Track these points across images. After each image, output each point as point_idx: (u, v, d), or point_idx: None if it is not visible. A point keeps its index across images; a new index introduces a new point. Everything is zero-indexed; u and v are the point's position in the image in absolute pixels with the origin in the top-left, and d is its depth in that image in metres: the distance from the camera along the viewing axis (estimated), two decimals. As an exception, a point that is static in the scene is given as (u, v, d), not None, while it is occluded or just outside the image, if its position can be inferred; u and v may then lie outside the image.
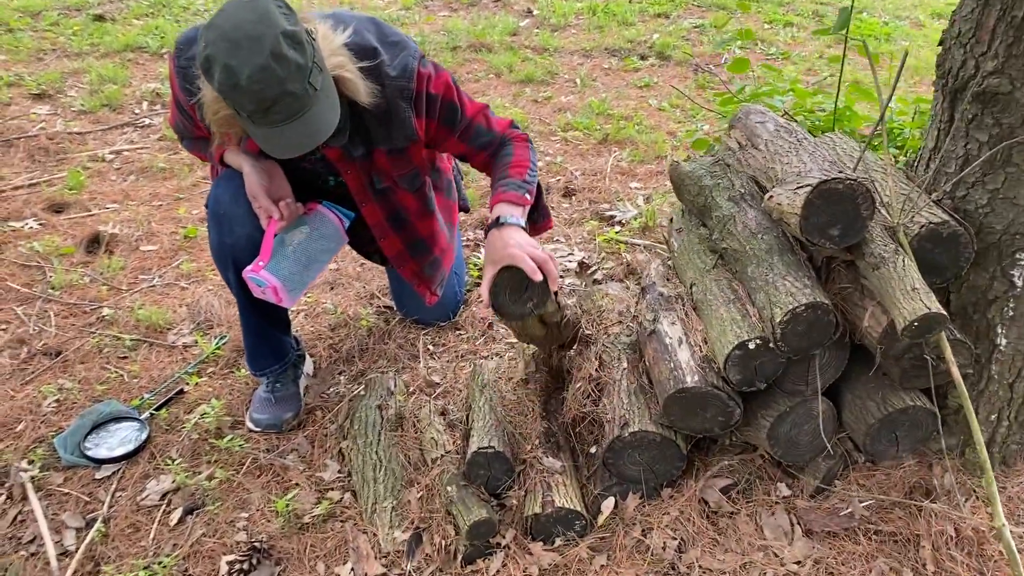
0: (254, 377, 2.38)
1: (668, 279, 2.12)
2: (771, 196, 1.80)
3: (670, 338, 1.90)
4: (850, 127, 2.64)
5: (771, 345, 1.76)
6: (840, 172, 1.75)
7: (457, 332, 2.69)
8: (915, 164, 2.06)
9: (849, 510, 1.93)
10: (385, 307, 2.83)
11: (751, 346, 1.76)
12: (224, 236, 2.08)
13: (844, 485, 1.99)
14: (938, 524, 1.87)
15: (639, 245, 3.12)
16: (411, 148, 2.04)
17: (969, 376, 1.92)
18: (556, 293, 1.87)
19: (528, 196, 2.01)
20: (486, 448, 1.92)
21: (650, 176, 3.81)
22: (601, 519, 1.92)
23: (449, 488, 1.93)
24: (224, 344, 2.64)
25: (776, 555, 1.86)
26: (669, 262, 2.21)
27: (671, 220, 2.23)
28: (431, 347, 2.62)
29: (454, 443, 2.10)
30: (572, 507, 1.86)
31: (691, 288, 2.00)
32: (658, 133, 4.24)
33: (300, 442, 2.25)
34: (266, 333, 2.30)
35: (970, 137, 1.83)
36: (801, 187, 1.72)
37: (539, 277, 1.80)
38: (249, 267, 1.98)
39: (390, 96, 1.90)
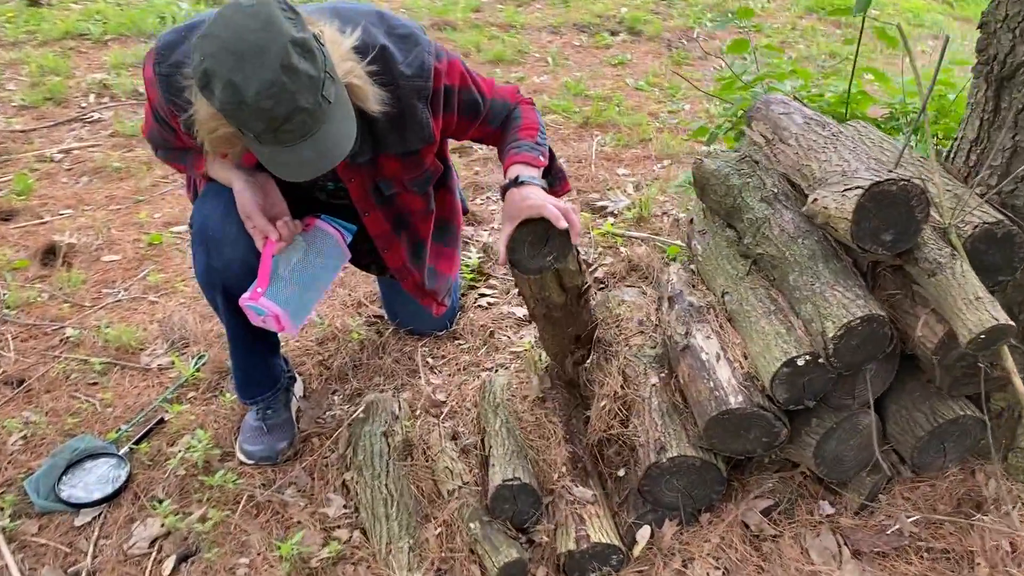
0: (243, 404, 2.19)
1: (694, 286, 1.98)
2: (815, 199, 1.66)
3: (706, 354, 1.76)
4: (861, 111, 2.52)
5: (821, 361, 1.63)
6: (890, 172, 1.62)
7: (456, 342, 2.53)
8: (950, 156, 1.94)
9: (897, 527, 1.82)
10: (375, 316, 2.65)
11: (800, 363, 1.63)
12: (213, 261, 1.88)
13: (889, 499, 1.88)
14: (992, 539, 1.77)
15: (637, 239, 2.98)
16: (424, 150, 1.87)
17: (1017, 380, 1.82)
18: (578, 252, 1.74)
19: (542, 158, 1.90)
20: (511, 480, 1.77)
21: (637, 161, 3.67)
22: (637, 550, 1.79)
23: (472, 525, 1.77)
24: (203, 365, 2.44)
25: (825, 581, 1.75)
26: (691, 266, 2.06)
27: (691, 221, 2.08)
28: (430, 360, 2.45)
29: (470, 472, 1.94)
30: (608, 541, 1.72)
31: (723, 297, 1.86)
32: (640, 115, 4.09)
33: (298, 474, 2.07)
34: (258, 359, 2.12)
35: (1019, 128, 1.71)
36: (849, 189, 1.59)
37: (563, 224, 1.69)
38: (246, 295, 1.79)
39: (404, 97, 1.73)
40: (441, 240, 2.26)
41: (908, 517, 1.84)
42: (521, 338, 2.52)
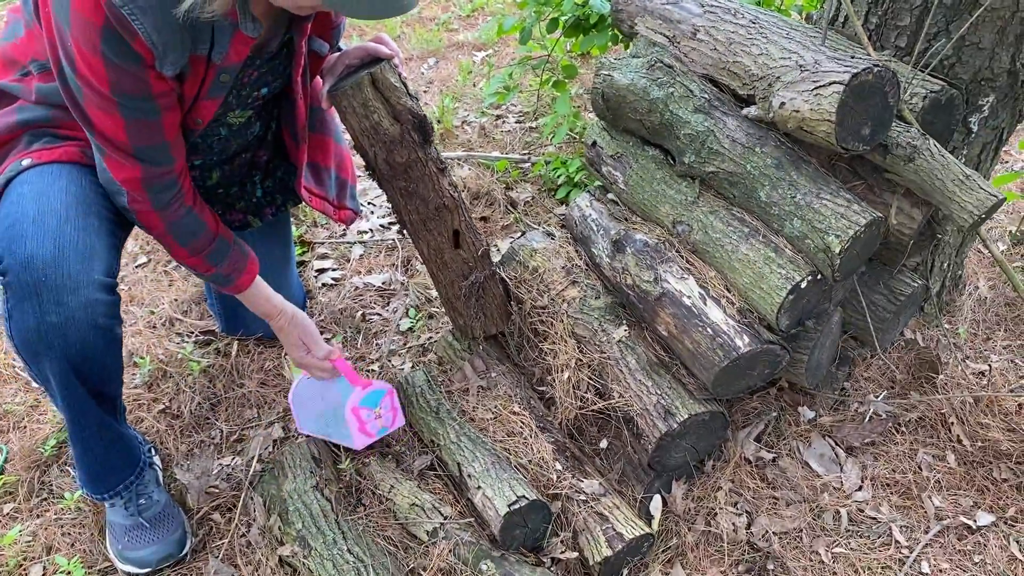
0: (97, 501, 1.66)
1: (626, 219, 1.75)
2: (782, 103, 1.47)
3: (688, 296, 1.57)
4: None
5: (820, 278, 1.50)
6: (853, 57, 1.46)
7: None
8: (837, 20, 1.83)
9: (873, 411, 1.81)
10: (205, 333, 2.13)
11: (803, 286, 1.49)
12: (49, 315, 1.31)
13: (854, 385, 1.86)
14: (955, 397, 1.82)
15: (455, 159, 2.65)
16: None
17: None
18: (397, 69, 1.54)
19: None
20: (517, 502, 1.49)
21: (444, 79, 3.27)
22: (656, 525, 1.62)
23: (484, 565, 1.48)
24: (6, 463, 1.83)
25: (836, 488, 1.70)
26: (609, 195, 1.82)
27: (593, 144, 1.82)
28: (304, 369, 2.02)
29: (442, 500, 1.62)
30: (641, 532, 1.52)
31: (675, 227, 1.66)
32: (431, 31, 3.64)
33: (218, 568, 1.62)
34: (112, 436, 1.57)
35: (929, -19, 1.63)
36: (823, 86, 1.42)
37: (387, 52, 1.52)
38: (377, 423, 1.68)
39: None
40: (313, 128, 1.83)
41: (876, 397, 1.84)
42: (395, 312, 2.16)
